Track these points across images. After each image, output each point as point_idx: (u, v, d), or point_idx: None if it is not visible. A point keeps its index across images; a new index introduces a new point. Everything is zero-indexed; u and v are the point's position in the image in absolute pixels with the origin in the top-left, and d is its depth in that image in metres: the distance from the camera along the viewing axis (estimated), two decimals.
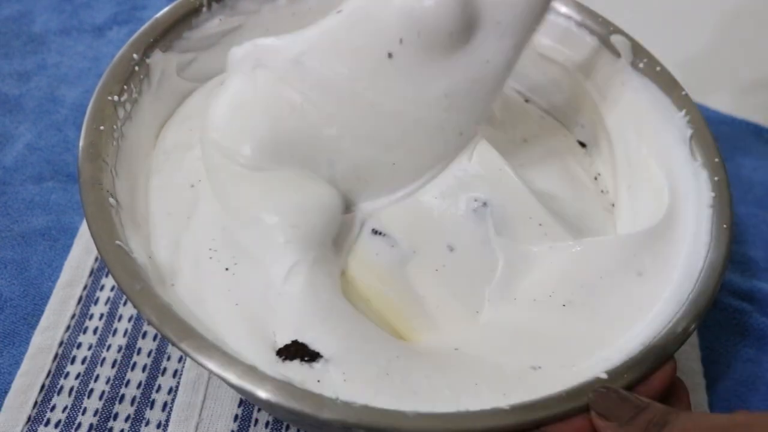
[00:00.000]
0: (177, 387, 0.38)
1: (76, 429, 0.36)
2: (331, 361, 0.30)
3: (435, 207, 0.37)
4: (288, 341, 0.30)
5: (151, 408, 0.37)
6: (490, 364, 0.31)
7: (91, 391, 0.38)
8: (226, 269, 0.32)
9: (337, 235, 0.35)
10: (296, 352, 0.30)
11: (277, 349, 0.30)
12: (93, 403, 0.37)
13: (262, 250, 0.32)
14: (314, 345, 0.30)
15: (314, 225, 0.33)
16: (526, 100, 0.46)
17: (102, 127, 0.34)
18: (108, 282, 0.42)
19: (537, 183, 0.39)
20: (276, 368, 0.29)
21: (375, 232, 0.36)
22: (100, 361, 0.39)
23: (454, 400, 0.29)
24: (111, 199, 0.32)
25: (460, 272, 0.35)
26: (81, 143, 0.33)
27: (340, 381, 0.29)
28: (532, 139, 0.43)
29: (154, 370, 0.39)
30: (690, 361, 0.40)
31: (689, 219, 0.35)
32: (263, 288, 0.32)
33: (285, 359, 0.30)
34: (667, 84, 0.39)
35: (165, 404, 0.37)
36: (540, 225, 0.36)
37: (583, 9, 0.42)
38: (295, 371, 0.29)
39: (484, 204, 0.36)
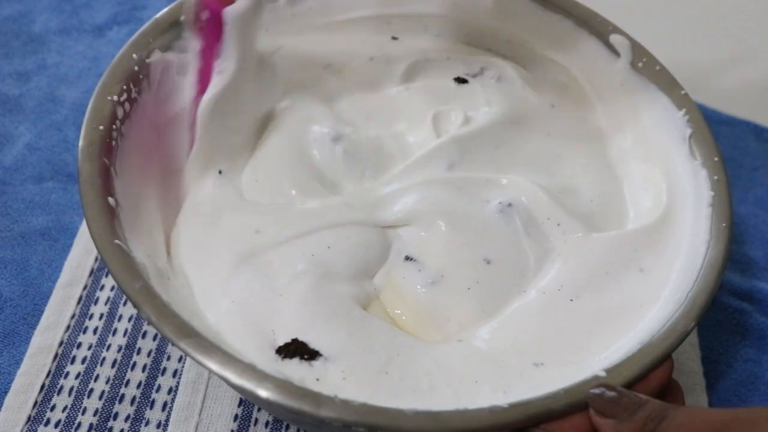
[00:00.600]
0: (177, 387, 0.38)
1: (76, 429, 0.36)
2: (331, 359, 0.30)
3: (466, 215, 0.36)
4: (288, 340, 0.30)
5: (151, 408, 0.37)
6: (492, 359, 0.31)
7: (91, 390, 0.38)
8: (234, 269, 0.33)
9: (366, 266, 0.35)
10: (296, 350, 0.30)
11: (276, 347, 0.30)
12: (93, 403, 0.37)
13: (275, 257, 0.33)
14: (314, 344, 0.30)
15: (335, 263, 0.34)
16: None
17: (102, 127, 0.34)
18: (108, 282, 0.42)
19: (562, 156, 0.40)
20: (275, 367, 0.29)
21: (407, 258, 0.35)
22: (100, 361, 0.39)
23: (454, 397, 0.29)
24: (111, 199, 0.32)
25: (495, 285, 0.34)
26: (81, 143, 0.33)
27: (339, 379, 0.29)
28: (560, 105, 0.43)
29: (154, 369, 0.39)
30: (690, 361, 0.40)
31: (688, 217, 0.35)
32: (267, 289, 0.32)
33: (284, 357, 0.30)
34: (667, 84, 0.39)
35: (165, 404, 0.37)
36: (558, 225, 0.36)
37: (582, 8, 0.42)
38: (294, 370, 0.29)
39: (509, 205, 0.36)
